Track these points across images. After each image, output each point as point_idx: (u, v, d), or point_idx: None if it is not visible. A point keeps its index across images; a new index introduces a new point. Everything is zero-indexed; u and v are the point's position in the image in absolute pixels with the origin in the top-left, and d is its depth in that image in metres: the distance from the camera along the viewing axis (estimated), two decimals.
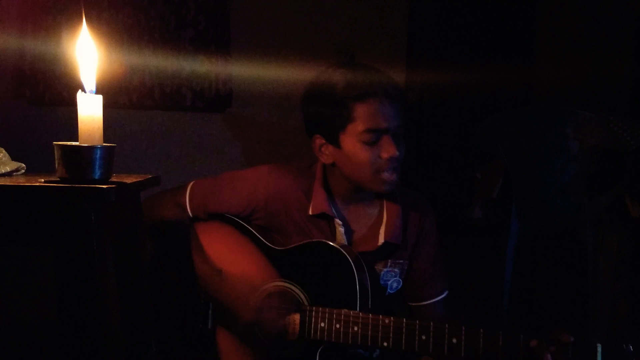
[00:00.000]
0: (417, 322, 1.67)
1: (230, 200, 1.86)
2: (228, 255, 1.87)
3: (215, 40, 3.51)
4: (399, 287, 1.90)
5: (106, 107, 1.22)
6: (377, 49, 3.40)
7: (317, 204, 1.83)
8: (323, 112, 1.78)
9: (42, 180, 1.22)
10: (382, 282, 1.87)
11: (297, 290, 1.77)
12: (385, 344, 1.68)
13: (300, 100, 1.86)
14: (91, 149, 1.18)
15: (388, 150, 1.73)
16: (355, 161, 1.75)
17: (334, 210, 1.84)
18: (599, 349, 1.52)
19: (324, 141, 1.81)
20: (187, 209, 1.86)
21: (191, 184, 1.89)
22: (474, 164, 3.00)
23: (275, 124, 3.36)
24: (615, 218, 2.64)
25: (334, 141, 1.78)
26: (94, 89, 1.23)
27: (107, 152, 1.20)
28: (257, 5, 3.49)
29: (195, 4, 3.50)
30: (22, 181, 1.24)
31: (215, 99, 3.50)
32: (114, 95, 3.41)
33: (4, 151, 1.39)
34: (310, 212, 1.83)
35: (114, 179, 1.24)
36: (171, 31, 3.51)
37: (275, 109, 3.34)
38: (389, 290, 1.88)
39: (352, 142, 1.75)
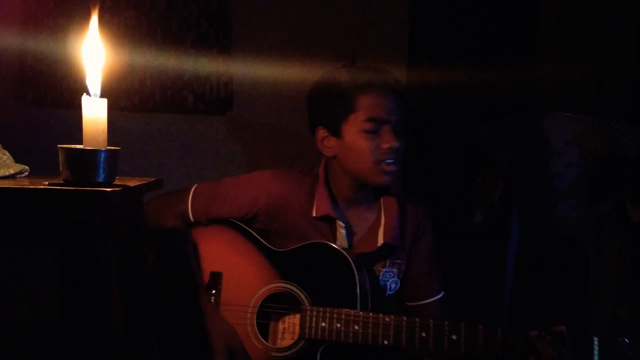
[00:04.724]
0: (417, 319, 1.72)
1: (232, 205, 1.88)
2: (228, 258, 1.88)
3: (217, 42, 3.50)
4: (397, 288, 1.93)
5: (107, 109, 1.23)
6: (379, 50, 3.40)
7: (321, 206, 1.85)
8: (326, 104, 1.83)
9: (46, 183, 1.22)
10: (381, 282, 1.89)
11: (297, 291, 1.79)
12: (385, 342, 1.71)
13: (304, 99, 1.91)
14: (96, 152, 1.18)
15: (388, 140, 1.78)
16: (356, 150, 1.79)
17: (336, 213, 1.86)
18: (596, 342, 1.56)
19: (326, 133, 1.85)
20: (188, 215, 1.87)
21: (192, 190, 1.89)
22: (475, 168, 3.01)
23: (277, 126, 3.36)
24: (616, 224, 2.65)
25: (336, 132, 1.82)
26: (98, 92, 1.23)
27: (112, 155, 1.21)
28: (259, 7, 3.48)
29: (197, 6, 3.50)
30: (26, 184, 1.24)
31: (216, 102, 3.49)
32: (115, 97, 3.40)
33: (7, 153, 1.38)
34: (314, 214, 1.85)
35: (117, 182, 1.25)
36: (173, 33, 3.51)
37: (277, 112, 3.33)
38: (388, 291, 1.91)
39: (354, 132, 1.80)
